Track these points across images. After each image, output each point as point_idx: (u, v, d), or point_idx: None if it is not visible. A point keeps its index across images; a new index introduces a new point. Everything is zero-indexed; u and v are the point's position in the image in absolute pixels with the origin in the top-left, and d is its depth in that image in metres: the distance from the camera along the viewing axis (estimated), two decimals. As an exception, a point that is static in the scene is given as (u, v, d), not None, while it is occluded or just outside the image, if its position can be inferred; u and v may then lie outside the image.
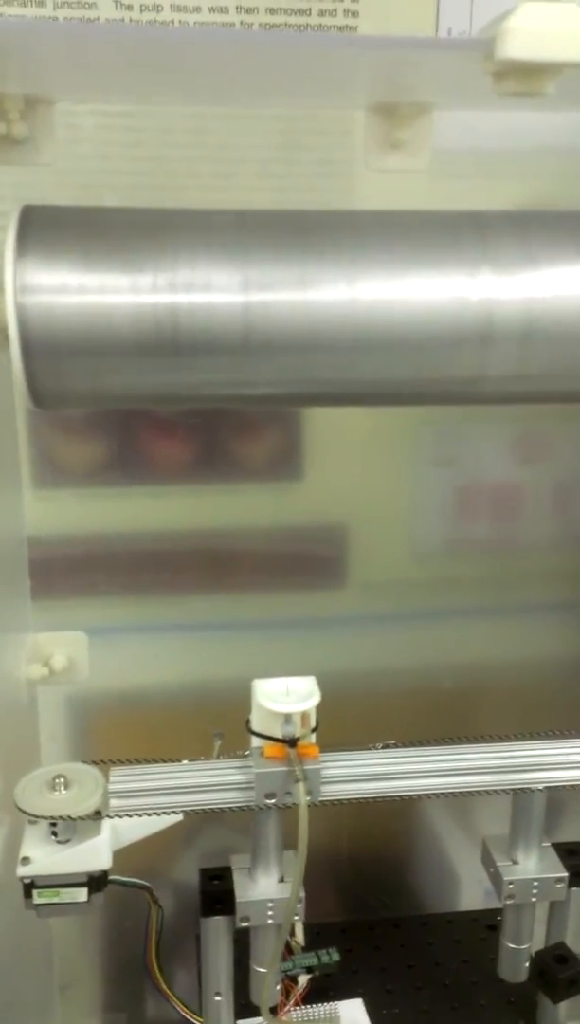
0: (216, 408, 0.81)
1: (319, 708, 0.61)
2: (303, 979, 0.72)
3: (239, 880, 0.63)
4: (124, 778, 0.61)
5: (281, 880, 0.64)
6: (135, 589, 0.86)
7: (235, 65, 0.55)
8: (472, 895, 0.92)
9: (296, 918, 0.64)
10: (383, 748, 0.64)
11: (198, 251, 0.51)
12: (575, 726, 0.96)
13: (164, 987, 0.67)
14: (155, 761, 0.62)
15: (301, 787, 0.58)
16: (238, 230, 0.52)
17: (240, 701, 0.90)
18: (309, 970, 0.73)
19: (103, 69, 0.56)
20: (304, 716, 0.60)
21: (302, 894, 0.63)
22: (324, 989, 0.73)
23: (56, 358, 0.49)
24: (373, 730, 0.70)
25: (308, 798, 0.58)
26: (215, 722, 0.88)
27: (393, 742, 0.65)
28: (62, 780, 0.60)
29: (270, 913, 0.63)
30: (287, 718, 0.59)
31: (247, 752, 0.62)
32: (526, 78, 0.44)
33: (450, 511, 0.91)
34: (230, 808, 0.60)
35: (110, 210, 0.52)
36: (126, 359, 0.50)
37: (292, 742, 0.59)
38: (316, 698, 0.60)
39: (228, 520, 0.87)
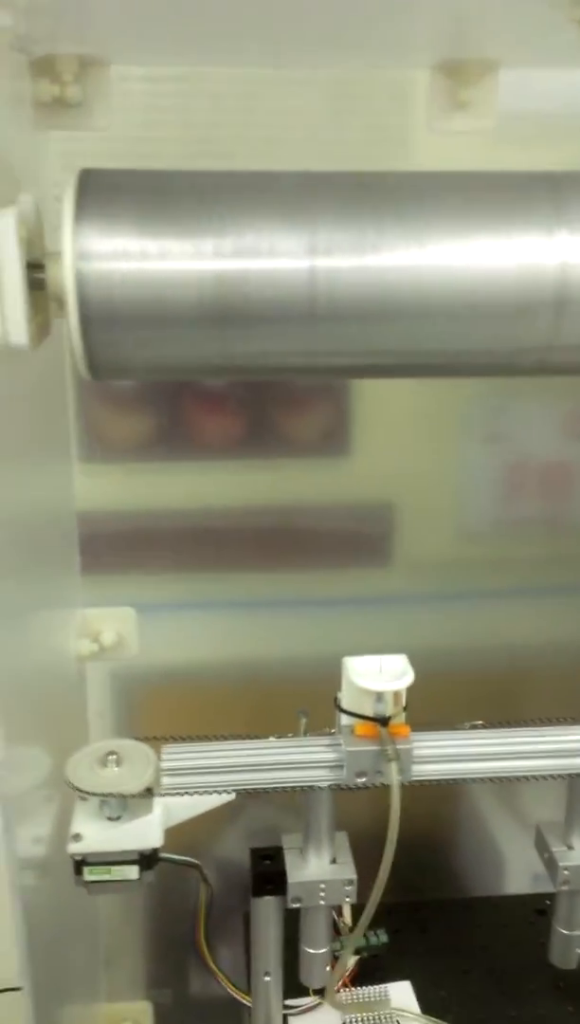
0: (266, 380, 0.80)
1: None
2: (351, 960, 0.71)
3: (291, 860, 0.62)
4: (176, 755, 0.59)
5: (333, 861, 0.62)
6: (181, 565, 0.85)
7: (293, 19, 0.53)
8: (519, 878, 0.90)
9: (347, 900, 0.63)
10: (471, 728, 0.63)
11: (261, 215, 0.49)
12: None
13: (213, 966, 0.67)
14: (207, 738, 0.61)
15: (393, 767, 0.57)
16: (303, 192, 0.50)
17: (286, 680, 0.89)
18: (357, 951, 0.72)
19: (159, 26, 0.54)
20: (396, 695, 0.59)
21: (354, 876, 0.62)
22: (372, 970, 0.73)
23: (114, 327, 0.48)
24: (418, 711, 0.69)
25: (399, 777, 0.57)
26: (262, 701, 0.88)
27: (480, 722, 0.63)
28: (114, 757, 0.59)
29: (322, 894, 0.62)
30: (379, 696, 0.58)
31: (333, 730, 0.61)
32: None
33: (499, 489, 0.89)
34: (295, 788, 0.59)
35: (170, 173, 0.51)
36: (186, 328, 0.49)
37: (384, 721, 0.58)
38: (410, 677, 0.59)
39: (274, 496, 0.85)
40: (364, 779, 0.59)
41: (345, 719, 0.60)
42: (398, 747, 0.58)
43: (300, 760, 0.60)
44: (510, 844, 0.91)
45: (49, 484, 0.66)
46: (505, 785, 0.62)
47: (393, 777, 0.57)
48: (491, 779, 0.60)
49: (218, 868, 0.85)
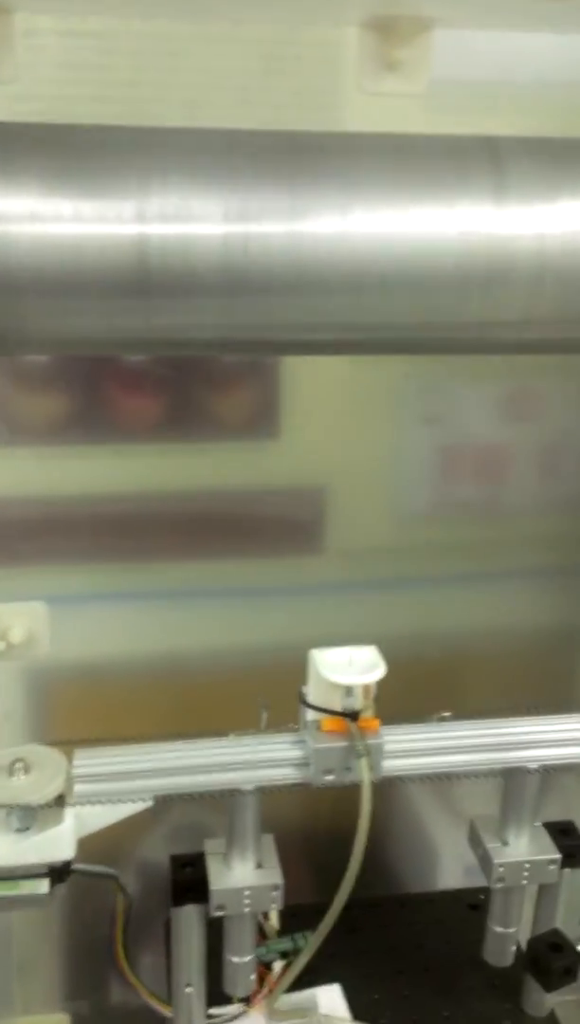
0: (190, 357, 0.75)
1: (293, 680, 0.57)
2: (278, 965, 0.69)
3: (213, 867, 0.59)
4: (89, 761, 0.56)
5: (258, 866, 0.59)
6: (98, 555, 0.80)
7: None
8: (451, 872, 0.89)
9: (273, 906, 0.60)
10: (440, 720, 0.61)
11: (175, 175, 0.45)
12: (558, 694, 0.94)
13: (132, 978, 0.63)
14: (123, 741, 0.57)
15: (364, 763, 0.55)
16: (220, 153, 0.46)
17: (211, 673, 0.86)
18: (284, 955, 0.69)
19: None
20: (366, 688, 0.56)
21: (280, 881, 0.59)
22: (300, 974, 0.70)
23: (16, 296, 0.43)
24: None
25: (371, 774, 0.55)
26: (184, 695, 0.84)
27: (448, 714, 0.61)
28: (21, 764, 0.55)
29: (247, 901, 0.59)
30: (349, 690, 0.56)
31: (295, 726, 0.58)
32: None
33: (435, 472, 0.87)
34: (232, 790, 0.56)
35: (76, 128, 0.46)
36: (94, 298, 0.45)
37: (354, 715, 0.55)
38: (381, 670, 0.56)
39: (199, 481, 0.81)
40: (332, 777, 0.56)
41: (311, 714, 0.57)
42: (368, 742, 0.55)
43: (262, 759, 0.57)
44: (442, 837, 0.89)
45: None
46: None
47: (364, 774, 0.55)
48: (465, 774, 0.59)
49: (138, 870, 0.81)
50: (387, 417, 0.84)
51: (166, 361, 0.76)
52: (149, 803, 0.56)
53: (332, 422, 0.82)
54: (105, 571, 0.80)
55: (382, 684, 0.84)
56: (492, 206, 0.47)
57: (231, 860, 0.59)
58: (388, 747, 0.57)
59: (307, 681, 0.57)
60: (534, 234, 0.46)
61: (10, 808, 0.54)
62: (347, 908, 0.77)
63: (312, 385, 0.81)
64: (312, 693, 0.57)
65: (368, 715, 0.56)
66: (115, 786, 0.55)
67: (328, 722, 0.56)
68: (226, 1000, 0.65)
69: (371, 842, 0.91)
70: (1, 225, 0.43)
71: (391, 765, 0.57)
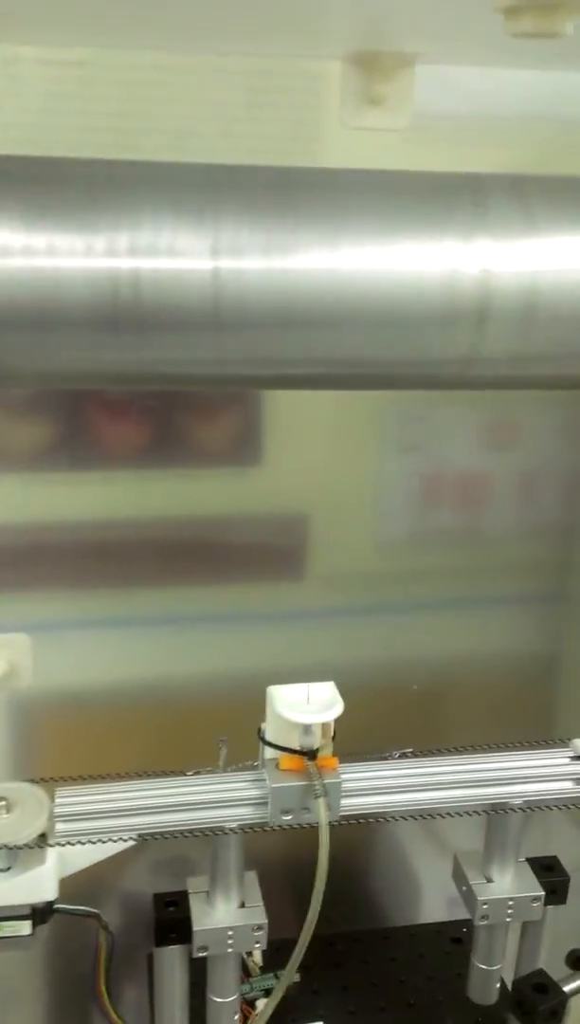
0: (174, 389, 0.75)
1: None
2: (261, 1003, 0.68)
3: (196, 906, 0.58)
4: (71, 799, 0.55)
5: (242, 905, 0.59)
6: (81, 581, 0.79)
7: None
8: (433, 905, 0.88)
9: (257, 946, 0.59)
10: (401, 757, 0.60)
11: (162, 210, 0.44)
12: (539, 722, 0.94)
13: (116, 1018, 0.62)
14: (106, 778, 0.56)
15: (321, 803, 0.54)
16: (207, 187, 0.46)
17: (195, 701, 0.85)
18: (268, 993, 0.69)
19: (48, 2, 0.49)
20: (324, 726, 0.56)
21: (264, 921, 0.58)
22: (282, 1012, 0.69)
23: (-2, 330, 0.43)
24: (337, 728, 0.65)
25: (328, 814, 0.53)
26: (168, 725, 0.83)
27: (410, 751, 0.60)
28: (3, 803, 0.54)
29: (230, 941, 0.58)
30: (307, 729, 0.55)
31: (255, 763, 0.57)
32: (544, 15, 0.39)
33: (415, 499, 0.87)
34: (195, 832, 0.55)
35: (60, 161, 0.46)
36: (78, 334, 0.44)
37: (312, 754, 0.55)
38: (339, 707, 0.56)
39: (182, 508, 0.81)
40: (290, 817, 0.55)
41: (269, 752, 0.56)
42: (326, 781, 0.54)
43: (218, 799, 0.56)
44: (425, 870, 0.89)
45: None
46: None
47: (321, 815, 0.54)
48: (422, 814, 0.57)
49: (120, 905, 0.80)
50: (368, 445, 0.84)
51: (149, 390, 0.76)
52: (133, 842, 0.55)
53: (314, 450, 0.83)
54: (87, 598, 0.79)
55: (362, 710, 0.84)
56: (478, 242, 0.47)
57: (214, 899, 0.59)
58: (349, 785, 0.56)
59: (266, 718, 0.57)
60: (520, 271, 0.47)
61: (-10, 848, 0.52)
62: (330, 943, 0.77)
63: (294, 413, 0.81)
64: (270, 730, 0.56)
65: (326, 753, 0.56)
66: (98, 824, 0.54)
67: (286, 760, 0.55)
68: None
69: (353, 875, 0.90)
70: (-14, 259, 0.42)
71: (351, 803, 0.57)
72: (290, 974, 0.57)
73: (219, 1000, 0.60)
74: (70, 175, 0.45)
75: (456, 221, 0.47)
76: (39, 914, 0.54)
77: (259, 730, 0.57)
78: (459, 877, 0.64)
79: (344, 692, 0.87)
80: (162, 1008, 0.60)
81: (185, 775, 0.57)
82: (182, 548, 0.82)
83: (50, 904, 0.54)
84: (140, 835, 0.55)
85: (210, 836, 0.56)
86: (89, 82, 0.71)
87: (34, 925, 0.54)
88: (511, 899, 0.62)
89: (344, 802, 0.56)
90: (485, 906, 0.62)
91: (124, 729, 0.80)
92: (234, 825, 0.55)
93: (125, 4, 0.51)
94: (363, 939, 0.77)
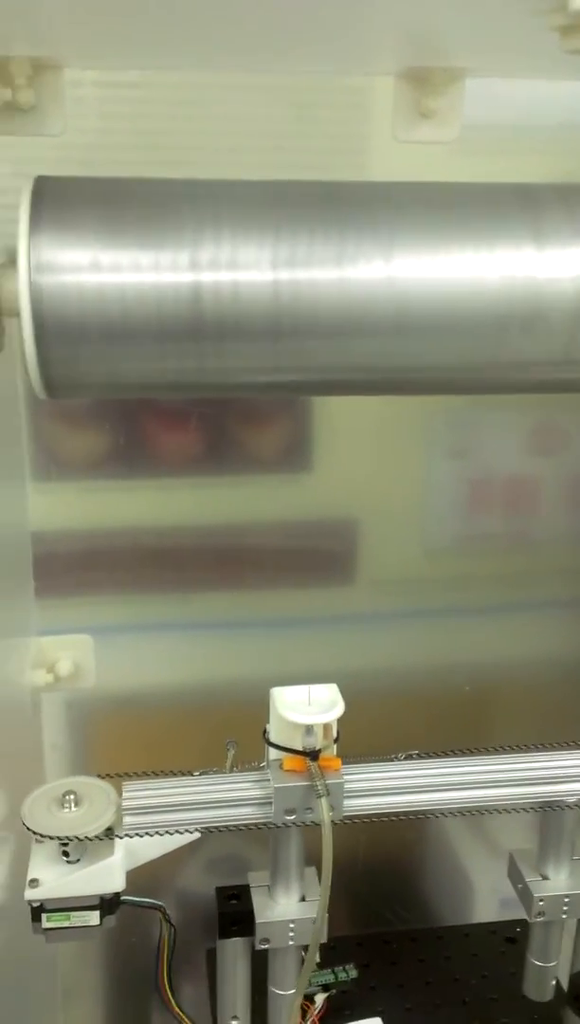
0: (229, 396, 0.77)
1: None
2: (320, 998, 0.69)
3: (258, 899, 0.60)
4: (138, 793, 0.56)
5: (302, 899, 0.60)
6: (138, 587, 0.81)
7: (253, 24, 0.51)
8: (486, 905, 0.89)
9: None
10: (406, 759, 0.60)
11: (224, 225, 0.46)
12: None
13: (179, 1011, 0.64)
14: (169, 774, 0.58)
15: (324, 803, 0.54)
16: (267, 203, 0.48)
17: (249, 703, 0.86)
18: (326, 988, 0.70)
19: (113, 28, 0.52)
20: (326, 727, 0.56)
21: (325, 914, 0.60)
22: (341, 1007, 0.70)
23: (72, 343, 0.45)
24: (384, 733, 0.66)
25: (331, 814, 0.54)
26: (223, 726, 0.85)
27: (415, 752, 0.61)
28: (72, 796, 0.56)
29: (291, 934, 0.59)
30: (309, 729, 0.55)
31: (263, 764, 0.58)
32: (600, 34, 0.40)
33: (463, 504, 0.88)
34: (249, 826, 0.56)
35: (129, 181, 0.48)
36: (146, 344, 0.46)
37: (314, 755, 0.55)
38: (340, 708, 0.56)
39: (235, 514, 0.83)
40: (293, 817, 0.56)
41: (273, 753, 0.57)
42: (329, 782, 0.55)
43: (225, 799, 0.57)
44: (477, 870, 0.89)
45: (2, 505, 0.63)
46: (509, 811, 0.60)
47: (324, 815, 0.54)
48: (426, 813, 0.58)
49: (178, 901, 0.82)
50: (416, 451, 0.85)
51: (203, 398, 0.78)
52: (196, 835, 0.56)
53: (363, 456, 0.84)
54: (145, 602, 0.81)
55: (412, 713, 0.85)
56: (531, 250, 0.48)
57: (275, 893, 0.60)
58: (354, 786, 0.57)
59: (269, 719, 0.58)
60: (572, 276, 0.48)
61: (63, 840, 0.54)
62: (385, 941, 0.78)
63: (343, 420, 0.83)
64: (273, 731, 0.57)
65: (329, 754, 0.56)
66: (163, 817, 0.56)
67: (289, 761, 0.56)
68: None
69: (407, 876, 0.91)
70: (58, 275, 0.45)
71: (355, 804, 0.57)
72: (307, 972, 0.57)
73: (280, 992, 0.61)
74: (137, 194, 0.47)
75: (508, 229, 0.49)
76: (107, 905, 0.56)
77: (264, 731, 0.58)
78: (515, 875, 0.65)
79: (392, 694, 0.88)
80: (224, 999, 0.62)
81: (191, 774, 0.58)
82: (234, 553, 0.84)
83: (118, 895, 0.56)
84: (203, 828, 0.56)
85: (270, 831, 0.57)
86: (142, 102, 0.74)
87: (102, 916, 0.56)
88: (567, 896, 0.63)
89: (350, 803, 0.56)
90: (541, 903, 0.62)
91: (178, 729, 0.81)
92: (282, 822, 0.56)
93: (181, 29, 0.53)
94: (418, 938, 0.78)
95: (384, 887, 0.89)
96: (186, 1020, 0.64)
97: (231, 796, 0.57)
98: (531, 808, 0.60)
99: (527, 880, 0.63)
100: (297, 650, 0.86)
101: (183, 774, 0.58)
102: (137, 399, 0.77)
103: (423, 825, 0.90)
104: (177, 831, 0.55)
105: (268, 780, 0.57)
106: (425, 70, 0.60)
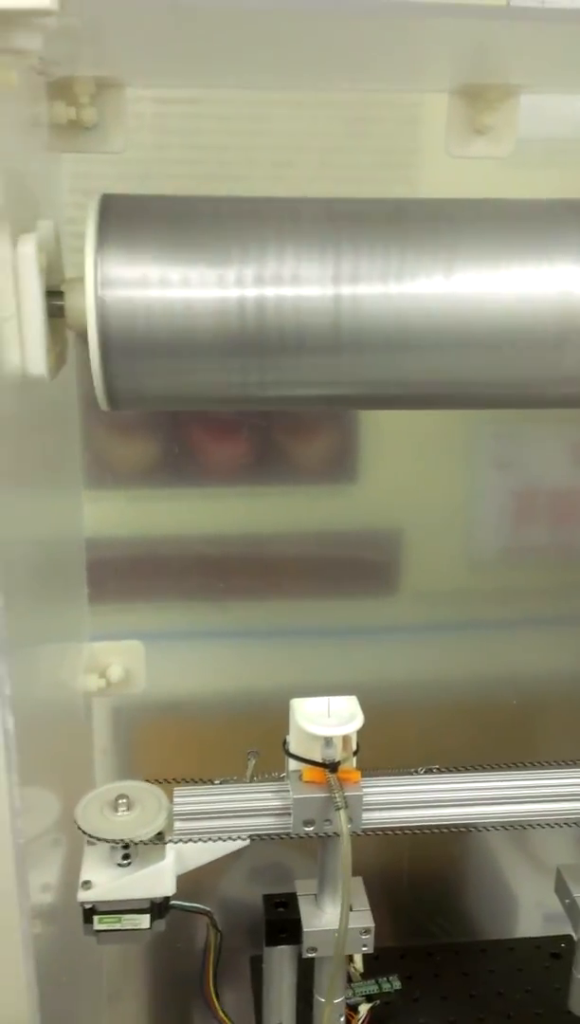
0: (292, 409, 0.78)
1: (372, 722, 0.57)
2: (364, 1008, 0.69)
3: (305, 908, 0.60)
4: (188, 799, 0.57)
5: (349, 909, 0.60)
6: (186, 594, 0.82)
7: (308, 45, 0.52)
8: (531, 920, 0.88)
9: (364, 948, 0.60)
10: (426, 773, 0.60)
11: (286, 242, 0.47)
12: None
13: (222, 1015, 0.64)
14: (220, 781, 0.59)
15: (342, 815, 0.54)
16: (328, 219, 0.49)
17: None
18: (370, 998, 0.70)
19: (173, 49, 0.53)
20: (345, 739, 0.56)
21: (371, 924, 0.60)
22: (385, 1018, 0.70)
23: (136, 356, 0.46)
24: (427, 745, 0.66)
25: (349, 826, 0.54)
26: (269, 734, 0.86)
27: (436, 767, 0.61)
28: (125, 800, 0.56)
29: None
30: (327, 741, 0.56)
31: (283, 774, 0.58)
32: None
33: (508, 516, 0.88)
34: (298, 835, 0.56)
35: (193, 199, 0.49)
36: (208, 358, 0.47)
37: (333, 766, 0.55)
38: (359, 720, 0.56)
39: (281, 524, 0.84)
40: (312, 828, 0.56)
41: (293, 764, 0.57)
42: (348, 794, 0.55)
43: (246, 808, 0.57)
44: (521, 885, 0.89)
45: (59, 512, 0.64)
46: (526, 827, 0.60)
47: (342, 826, 0.54)
48: (444, 827, 0.58)
49: (221, 909, 0.82)
50: (460, 462, 0.86)
51: (254, 410, 0.79)
52: (246, 842, 0.57)
53: (408, 467, 0.84)
54: (192, 609, 0.82)
55: (455, 727, 0.85)
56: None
57: (322, 901, 0.60)
58: (377, 799, 0.57)
59: (289, 730, 0.58)
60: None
61: (115, 843, 0.55)
62: (429, 953, 0.78)
63: (389, 432, 0.83)
64: (293, 742, 0.57)
65: (348, 766, 0.56)
66: (213, 824, 0.57)
67: (308, 772, 0.56)
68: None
69: (450, 889, 0.91)
70: (124, 290, 0.46)
71: (374, 817, 0.57)
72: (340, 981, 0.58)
73: (325, 1001, 0.61)
74: (200, 211, 0.48)
75: (566, 245, 0.49)
76: (157, 908, 0.57)
77: (284, 742, 0.58)
78: (562, 890, 0.65)
79: (436, 707, 0.88)
80: (270, 1006, 0.62)
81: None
82: (280, 563, 0.85)
83: (168, 899, 0.57)
84: (251, 835, 0.57)
85: (319, 840, 0.57)
86: (196, 117, 0.75)
87: (152, 919, 0.57)
88: (615, 912, 0.62)
89: (368, 816, 0.56)
90: (589, 918, 0.62)
91: (222, 735, 0.82)
92: (301, 832, 0.56)
93: (237, 51, 0.54)
94: (461, 951, 0.78)
95: (428, 900, 0.89)
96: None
97: (250, 806, 0.57)
98: (562, 824, 0.59)
99: (575, 895, 0.63)
100: (341, 660, 0.86)
101: (203, 782, 0.58)
102: (189, 412, 0.78)
103: (467, 839, 0.90)
104: (228, 837, 0.56)
105: (287, 791, 0.57)
106: (479, 87, 0.60)
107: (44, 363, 0.45)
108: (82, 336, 0.46)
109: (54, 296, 0.46)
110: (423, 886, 0.89)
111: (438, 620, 0.88)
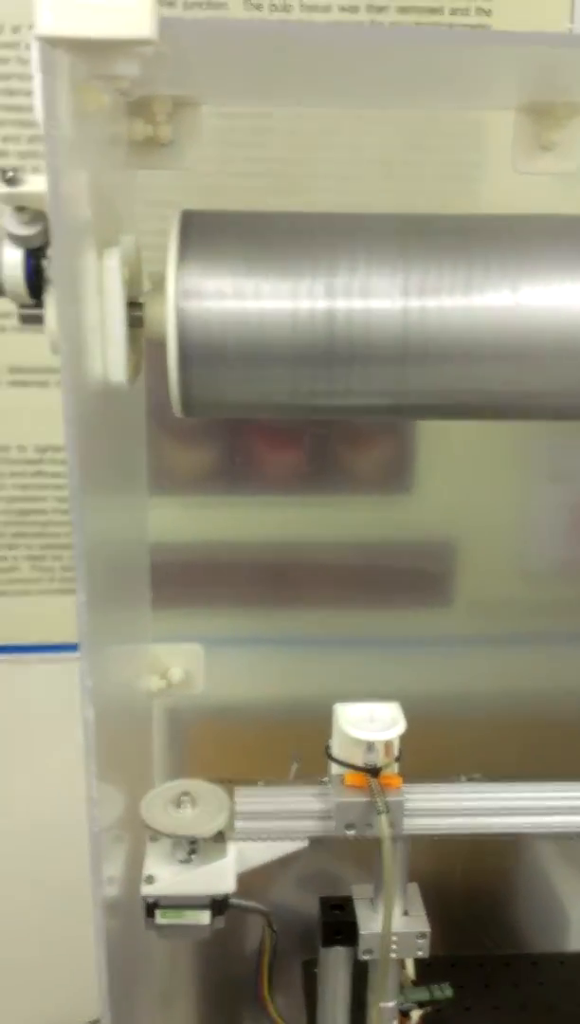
0: (358, 419, 0.79)
1: (423, 732, 0.58)
2: (416, 1014, 0.69)
3: (361, 911, 0.61)
4: (249, 799, 0.58)
5: (405, 913, 0.61)
6: (242, 600, 0.84)
7: (382, 65, 0.53)
8: (581, 935, 0.88)
9: (419, 952, 0.61)
10: (469, 781, 0.61)
11: (356, 256, 0.49)
12: None
13: (277, 1016, 0.65)
14: (279, 782, 0.60)
15: (383, 819, 0.55)
16: (398, 234, 0.50)
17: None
18: (421, 1005, 0.70)
19: (251, 71, 0.55)
20: (387, 745, 0.57)
21: (427, 929, 0.60)
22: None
23: (211, 365, 0.48)
24: (478, 758, 0.66)
25: (390, 831, 0.55)
26: (318, 739, 0.87)
27: (478, 776, 0.61)
28: (188, 797, 0.58)
29: (394, 947, 0.60)
30: (370, 746, 0.57)
31: (326, 779, 0.59)
32: None
33: (563, 529, 0.88)
34: (358, 838, 0.57)
35: (267, 214, 0.51)
36: (280, 366, 0.49)
37: (374, 771, 0.56)
38: (401, 726, 0.57)
39: (336, 533, 0.85)
40: (353, 831, 0.57)
41: (335, 768, 0.58)
42: (389, 799, 0.56)
43: (289, 810, 0.58)
44: (573, 900, 0.89)
45: (128, 517, 0.66)
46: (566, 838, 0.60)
47: (384, 830, 0.55)
48: (484, 836, 0.58)
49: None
50: (516, 474, 0.86)
51: (314, 420, 0.80)
52: (304, 843, 0.58)
53: (463, 479, 0.85)
54: (247, 615, 0.83)
55: (506, 740, 0.85)
56: None
57: (378, 905, 0.61)
58: (418, 806, 0.57)
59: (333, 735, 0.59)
60: None
61: (178, 839, 0.57)
62: (480, 964, 0.78)
63: (445, 443, 0.84)
64: (336, 746, 0.58)
65: (390, 772, 0.57)
66: (273, 824, 0.58)
67: (350, 776, 0.57)
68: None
69: (501, 901, 0.91)
70: (202, 301, 0.47)
71: (416, 823, 0.57)
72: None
73: (381, 1004, 0.62)
74: (276, 226, 0.50)
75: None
76: (217, 905, 0.58)
77: (326, 746, 0.59)
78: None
79: (485, 719, 0.88)
80: (325, 1008, 0.63)
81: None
82: (335, 571, 0.86)
83: (227, 897, 0.58)
84: (310, 837, 0.58)
85: (368, 843, 0.58)
86: (262, 132, 0.77)
87: (213, 915, 0.58)
88: None
89: (410, 822, 0.57)
90: None
91: (273, 739, 0.83)
92: (342, 835, 0.57)
93: (308, 73, 0.56)
94: (512, 963, 0.78)
95: (480, 911, 0.89)
96: (284, 1025, 0.65)
97: (295, 808, 0.58)
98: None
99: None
100: (393, 669, 0.86)
101: (252, 784, 0.59)
102: (248, 420, 0.80)
103: (520, 853, 0.90)
104: (289, 838, 0.57)
105: (329, 794, 0.58)
106: (546, 104, 0.61)
107: (124, 371, 0.47)
108: (159, 345, 0.48)
109: (133, 307, 0.48)
110: (476, 898, 0.89)
111: (492, 632, 0.88)
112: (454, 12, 0.75)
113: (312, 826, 0.57)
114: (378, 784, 0.56)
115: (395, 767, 0.57)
